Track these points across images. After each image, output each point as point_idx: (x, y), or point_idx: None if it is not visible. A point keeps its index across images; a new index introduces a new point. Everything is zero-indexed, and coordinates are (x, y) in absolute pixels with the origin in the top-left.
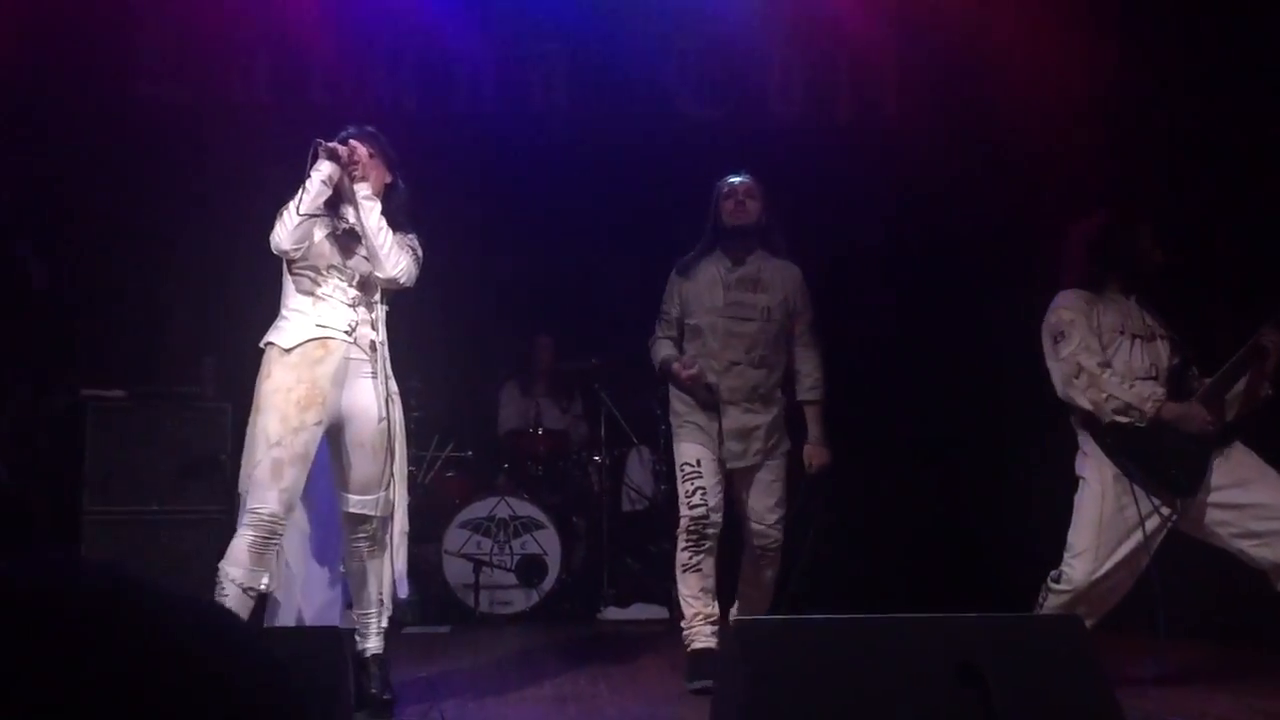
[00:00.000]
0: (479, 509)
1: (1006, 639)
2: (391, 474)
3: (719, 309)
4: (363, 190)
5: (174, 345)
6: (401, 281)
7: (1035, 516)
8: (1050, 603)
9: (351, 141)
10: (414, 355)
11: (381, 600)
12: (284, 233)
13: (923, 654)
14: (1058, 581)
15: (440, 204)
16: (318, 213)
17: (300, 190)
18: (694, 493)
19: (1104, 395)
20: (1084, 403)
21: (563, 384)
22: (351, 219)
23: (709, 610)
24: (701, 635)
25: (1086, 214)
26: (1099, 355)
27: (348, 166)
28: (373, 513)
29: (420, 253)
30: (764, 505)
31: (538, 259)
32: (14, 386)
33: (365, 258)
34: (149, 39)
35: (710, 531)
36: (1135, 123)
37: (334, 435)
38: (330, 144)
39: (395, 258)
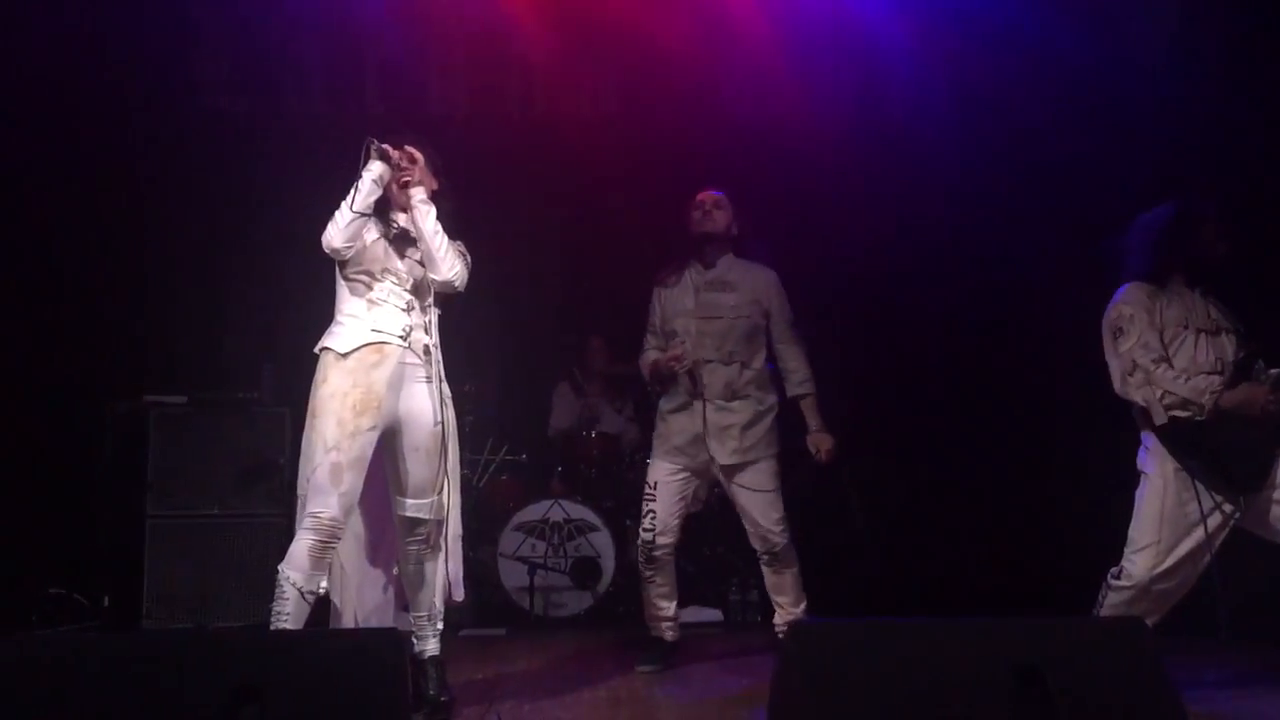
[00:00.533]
0: (533, 512)
1: (1068, 641)
2: (445, 477)
3: (691, 311)
4: (418, 194)
5: (233, 352)
6: (456, 285)
7: (1094, 514)
8: (1110, 600)
9: (406, 146)
10: (468, 359)
11: (436, 603)
12: (335, 231)
13: (982, 657)
14: (1118, 578)
15: (493, 207)
16: (368, 212)
17: (352, 189)
18: (646, 515)
19: (1159, 393)
20: (1139, 400)
21: (615, 386)
22: (403, 222)
23: (664, 613)
24: (656, 628)
25: (1150, 206)
26: (1157, 351)
27: (399, 169)
28: (427, 516)
29: (469, 258)
30: (757, 509)
31: (589, 261)
32: (80, 393)
33: (419, 262)
34: (210, 51)
35: (658, 553)
36: (1197, 110)
37: (388, 439)
38: (382, 145)
39: (450, 261)
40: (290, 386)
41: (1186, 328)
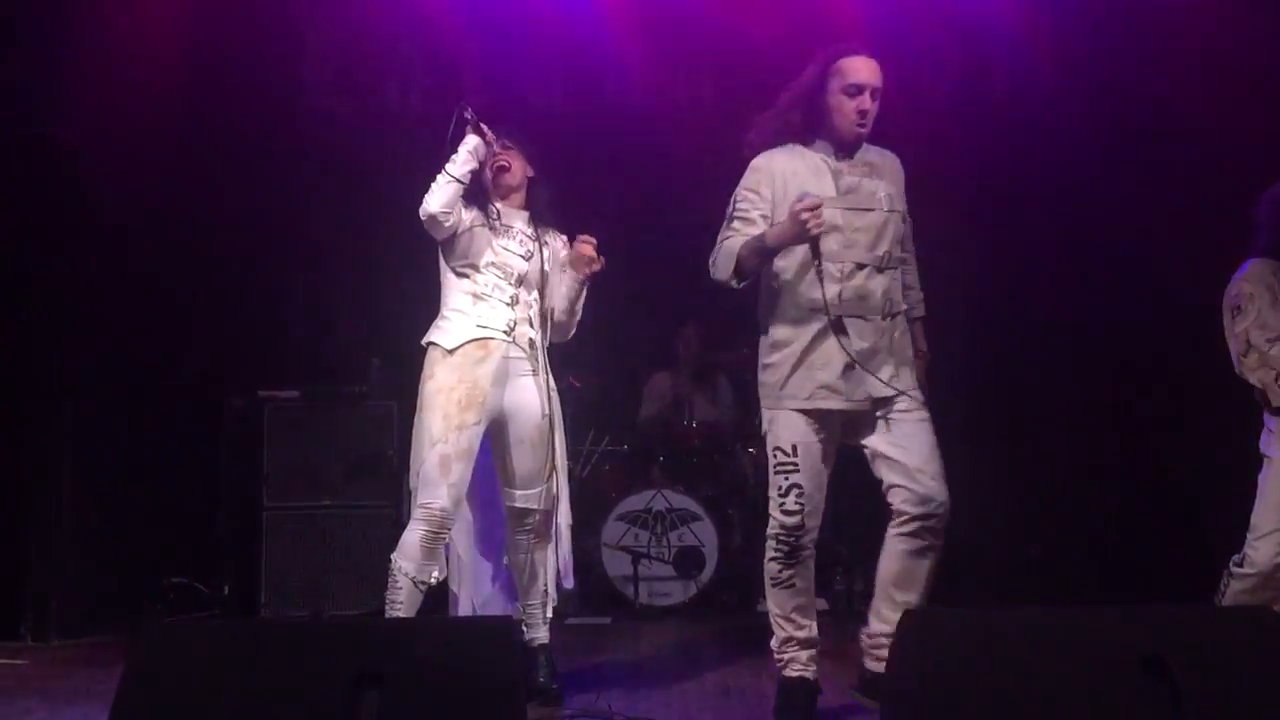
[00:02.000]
0: (635, 502)
1: (1194, 631)
2: (554, 467)
3: (833, 199)
4: (575, 284)
5: (343, 347)
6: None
7: (1216, 500)
8: (1234, 588)
9: (498, 150)
10: (567, 350)
11: (546, 591)
12: (431, 197)
13: (1105, 647)
14: (1240, 565)
15: (588, 198)
16: (464, 180)
17: (449, 160)
18: (788, 491)
19: (1274, 374)
20: (1254, 381)
21: (711, 375)
22: (505, 218)
23: (804, 635)
24: (796, 663)
25: (1275, 179)
26: (1275, 331)
27: (494, 151)
28: (536, 506)
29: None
30: (916, 453)
31: (684, 249)
32: (200, 389)
33: (523, 256)
34: (315, 52)
35: (806, 540)
36: None
37: (495, 432)
38: (477, 121)
39: (572, 330)
40: (397, 380)
41: None
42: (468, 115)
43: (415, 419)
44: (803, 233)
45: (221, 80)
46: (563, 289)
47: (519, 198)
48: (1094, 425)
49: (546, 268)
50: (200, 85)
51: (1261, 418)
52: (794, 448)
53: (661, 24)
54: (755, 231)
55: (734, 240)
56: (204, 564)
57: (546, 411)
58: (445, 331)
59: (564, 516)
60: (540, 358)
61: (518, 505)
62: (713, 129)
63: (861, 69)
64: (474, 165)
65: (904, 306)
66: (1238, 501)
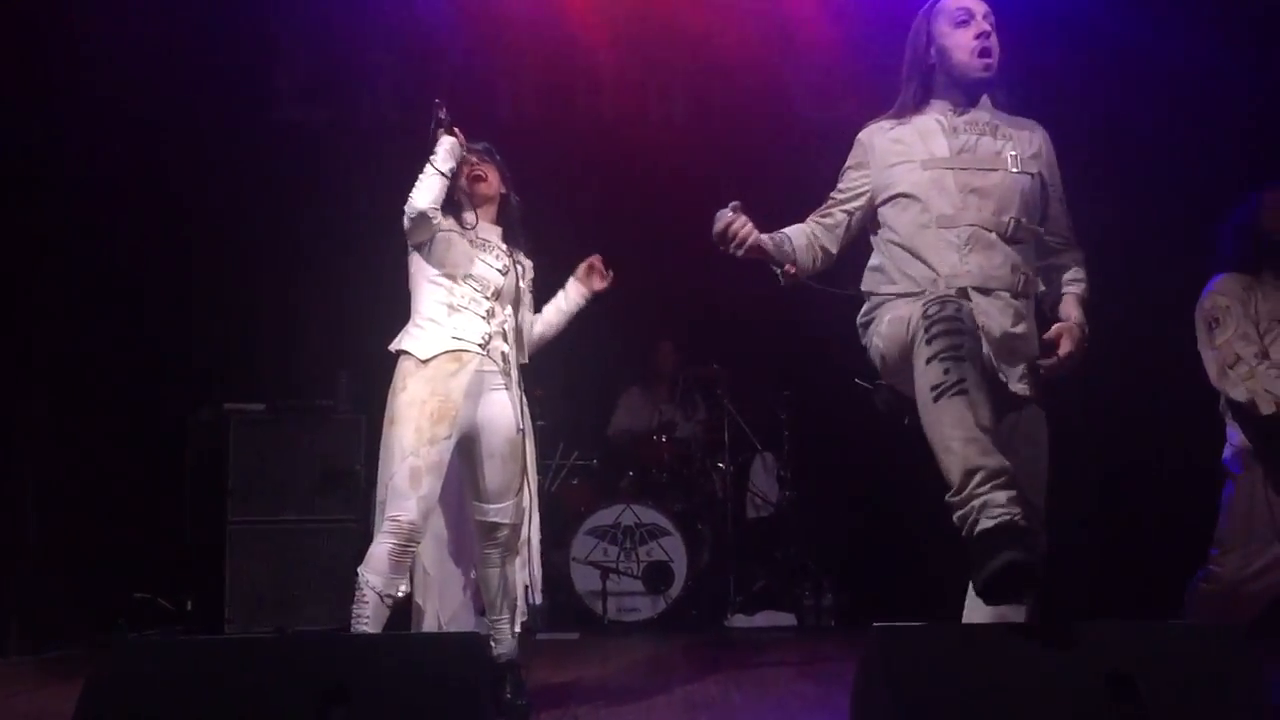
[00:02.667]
0: (605, 516)
1: (1162, 648)
2: (524, 482)
3: (943, 159)
4: (580, 302)
5: (310, 360)
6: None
7: (1184, 516)
8: (1198, 601)
9: (474, 161)
10: (537, 363)
11: (515, 606)
12: (419, 193)
13: (1073, 663)
14: (1205, 580)
15: (561, 212)
16: (449, 175)
17: (430, 158)
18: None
19: (1264, 387)
20: (1240, 394)
21: (685, 390)
22: (482, 231)
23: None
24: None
25: (1240, 193)
26: (1256, 344)
27: (468, 162)
28: (506, 520)
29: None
30: (1034, 466)
31: (659, 265)
32: (164, 402)
33: (500, 270)
34: (285, 63)
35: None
36: None
37: (466, 446)
38: (449, 119)
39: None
40: (365, 393)
41: None
42: (442, 115)
43: (385, 430)
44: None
45: (191, 90)
46: (563, 304)
47: (492, 211)
48: (1065, 439)
49: (521, 284)
50: (169, 95)
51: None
52: None
53: (634, 38)
54: (843, 210)
55: (796, 227)
56: (168, 579)
57: (520, 426)
58: (419, 341)
59: (533, 532)
60: (513, 372)
61: (487, 519)
62: (686, 143)
63: (964, 1)
64: (454, 163)
65: (1042, 288)
66: (1206, 518)
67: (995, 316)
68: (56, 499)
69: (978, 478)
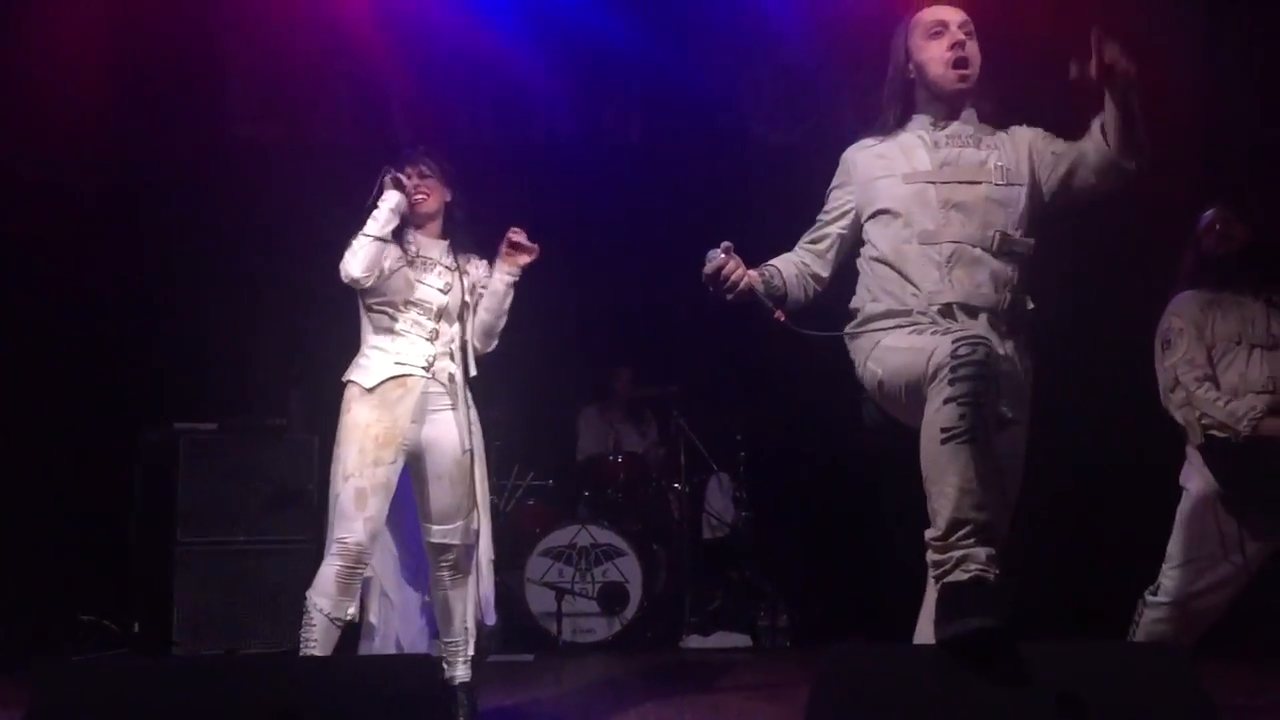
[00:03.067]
0: (560, 537)
1: (1110, 667)
2: (474, 502)
3: (926, 173)
4: (508, 278)
5: (262, 379)
6: (488, 351)
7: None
8: (1147, 616)
9: (420, 166)
10: (494, 385)
11: (467, 628)
12: (352, 259)
13: (1023, 683)
14: (1155, 594)
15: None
16: (386, 239)
17: (369, 218)
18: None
19: (1197, 414)
20: (1178, 418)
21: (641, 410)
22: (424, 249)
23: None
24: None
25: (1198, 209)
26: (1202, 369)
27: (414, 195)
28: (455, 541)
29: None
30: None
31: (615, 286)
32: (111, 421)
33: (442, 290)
34: (239, 82)
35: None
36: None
37: (414, 467)
38: (398, 174)
39: (497, 337)
40: (318, 413)
41: (1239, 343)
42: (388, 177)
43: (334, 454)
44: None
45: (143, 109)
46: (494, 284)
47: (436, 226)
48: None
49: (466, 298)
50: (121, 112)
51: (1184, 451)
52: None
53: (590, 59)
54: (829, 233)
55: (785, 258)
56: (114, 601)
57: (467, 446)
58: (364, 370)
59: (485, 552)
60: (460, 391)
61: (435, 540)
62: (642, 165)
63: (939, 8)
64: (395, 223)
65: (1031, 306)
66: (1157, 537)
67: (974, 330)
68: (1, 519)
69: (964, 530)
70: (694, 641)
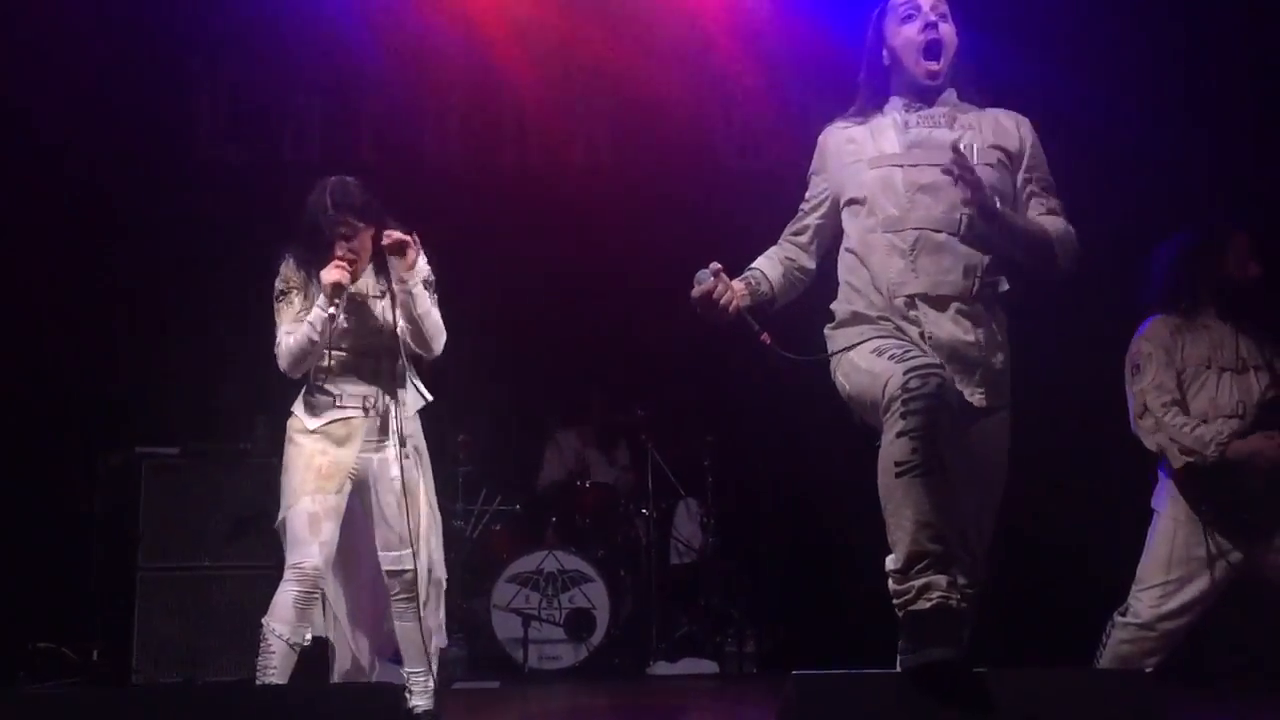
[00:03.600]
0: (527, 563)
1: (1074, 694)
2: (417, 531)
3: (893, 155)
4: (412, 280)
5: (227, 403)
6: (438, 353)
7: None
8: (1116, 637)
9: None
10: (461, 410)
11: (429, 656)
12: (289, 359)
13: (985, 710)
14: (1124, 615)
15: (486, 257)
16: (319, 340)
17: (307, 323)
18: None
19: (1168, 439)
20: (1149, 444)
21: (609, 436)
22: (361, 288)
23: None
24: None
25: (1171, 231)
26: (1171, 394)
27: (344, 262)
28: (404, 568)
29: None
30: (975, 497)
31: (582, 311)
32: (71, 443)
33: (375, 329)
34: (208, 103)
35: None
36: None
37: (362, 497)
38: (334, 275)
39: (438, 336)
40: (283, 437)
41: (1209, 367)
42: (326, 282)
43: (282, 477)
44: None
45: (108, 129)
46: (398, 297)
47: (369, 263)
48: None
49: (400, 324)
50: (87, 133)
51: (1152, 473)
52: None
53: (560, 83)
54: (809, 223)
55: (770, 258)
56: (73, 628)
57: (401, 480)
58: (309, 408)
59: (438, 572)
60: (394, 423)
61: (387, 567)
62: (611, 189)
63: None
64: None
65: (1005, 288)
66: (1122, 563)
67: (945, 326)
68: None
69: (923, 563)
70: (661, 668)
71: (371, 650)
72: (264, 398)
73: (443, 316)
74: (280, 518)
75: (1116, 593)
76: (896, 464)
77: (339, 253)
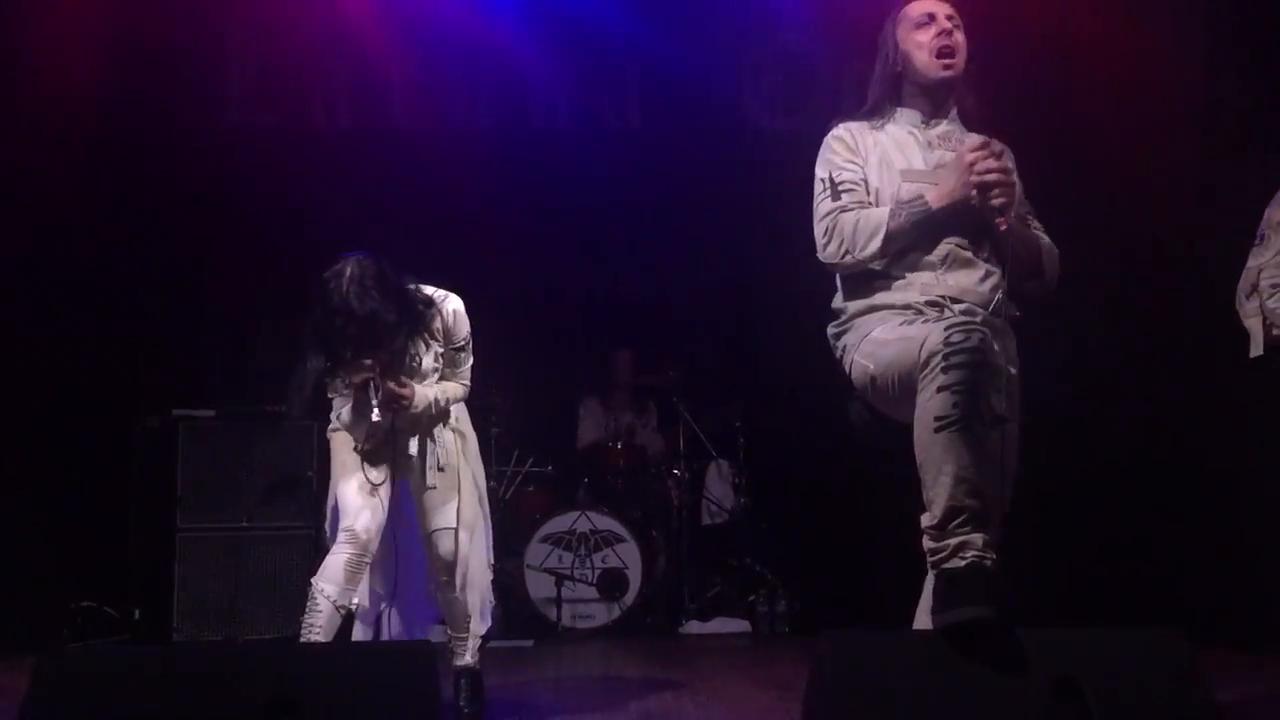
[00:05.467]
0: (560, 523)
1: (1107, 653)
2: (462, 504)
3: (923, 173)
4: (420, 407)
5: (262, 365)
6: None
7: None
8: None
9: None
10: (494, 371)
11: (469, 621)
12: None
13: (1020, 668)
14: None
15: (518, 221)
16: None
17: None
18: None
19: (1260, 326)
20: (1245, 323)
21: (641, 397)
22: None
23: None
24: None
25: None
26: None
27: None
28: (442, 549)
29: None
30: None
31: (615, 273)
32: (109, 407)
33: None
34: (237, 69)
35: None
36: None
37: (407, 482)
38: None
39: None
40: (318, 399)
41: None
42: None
43: (333, 452)
44: (968, 182)
45: (140, 95)
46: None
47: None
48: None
49: (428, 363)
50: (119, 99)
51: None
52: None
53: (589, 49)
54: (866, 199)
55: (868, 212)
56: (114, 587)
57: (446, 463)
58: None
59: (481, 556)
60: (428, 420)
61: (428, 549)
62: (641, 152)
63: (926, 1)
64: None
65: (1016, 313)
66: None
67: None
68: (0, 506)
69: (960, 518)
70: (693, 627)
71: (419, 614)
72: (298, 361)
73: (477, 275)
74: (331, 494)
75: (1144, 557)
76: (936, 419)
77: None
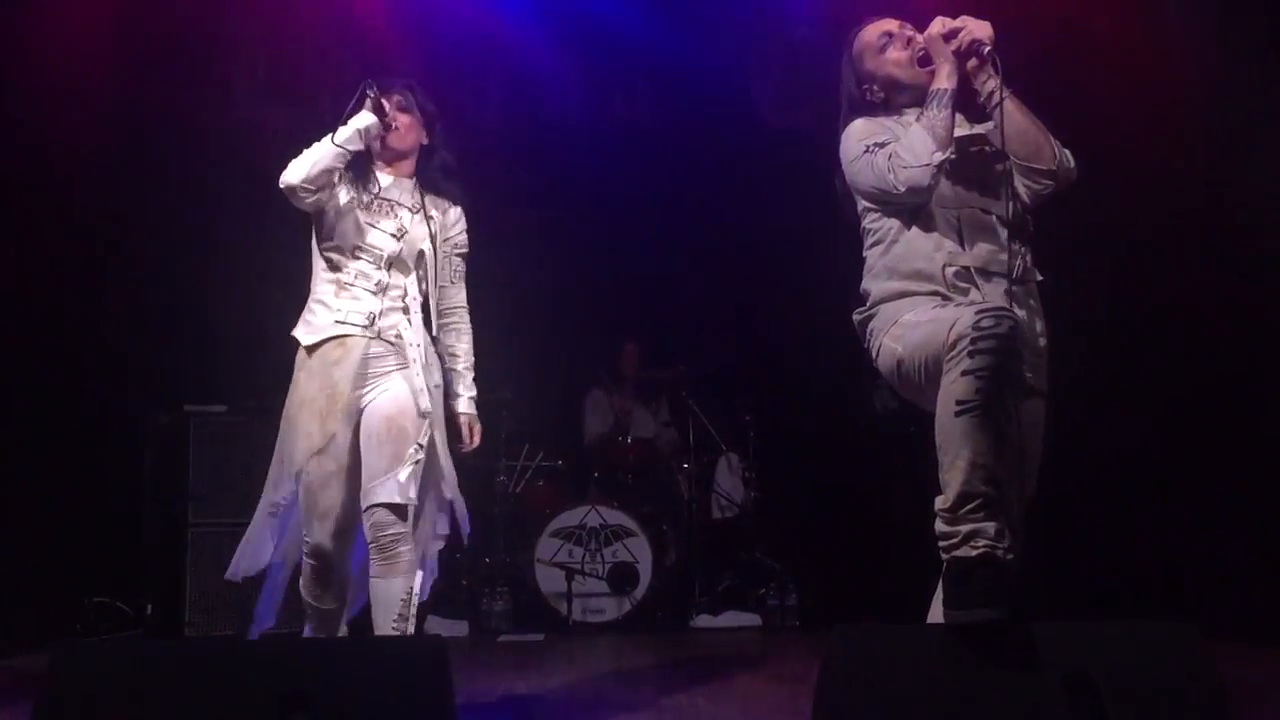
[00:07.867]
0: (570, 518)
1: (1119, 647)
2: (401, 461)
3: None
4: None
5: (273, 361)
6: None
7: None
8: None
9: (393, 114)
10: (504, 365)
11: (394, 624)
12: (295, 164)
13: (1032, 663)
14: None
15: (526, 215)
16: (341, 161)
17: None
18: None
19: None
20: None
21: (650, 391)
22: (385, 190)
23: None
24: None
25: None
26: None
27: (389, 126)
28: (376, 501)
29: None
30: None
31: (624, 267)
32: (121, 403)
33: (394, 235)
34: (244, 64)
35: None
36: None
37: (356, 430)
38: (379, 98)
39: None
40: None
41: None
42: (370, 93)
43: (281, 427)
44: (951, 55)
45: (148, 89)
46: (459, 390)
47: (407, 165)
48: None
49: (426, 245)
50: (127, 93)
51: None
52: None
53: (601, 42)
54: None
55: (908, 131)
56: (126, 583)
57: (424, 408)
58: (307, 325)
59: (449, 487)
60: (410, 350)
61: (369, 500)
62: (652, 145)
63: (876, 24)
64: (359, 145)
65: (1039, 278)
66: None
67: (998, 298)
68: (10, 500)
69: (973, 504)
70: (703, 621)
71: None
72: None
73: (486, 271)
74: (282, 478)
75: (1161, 550)
76: (958, 402)
77: (390, 107)
